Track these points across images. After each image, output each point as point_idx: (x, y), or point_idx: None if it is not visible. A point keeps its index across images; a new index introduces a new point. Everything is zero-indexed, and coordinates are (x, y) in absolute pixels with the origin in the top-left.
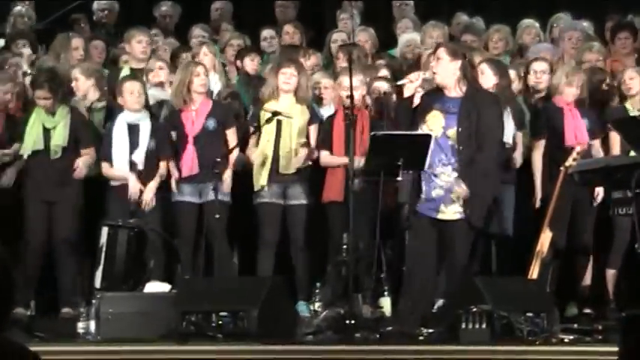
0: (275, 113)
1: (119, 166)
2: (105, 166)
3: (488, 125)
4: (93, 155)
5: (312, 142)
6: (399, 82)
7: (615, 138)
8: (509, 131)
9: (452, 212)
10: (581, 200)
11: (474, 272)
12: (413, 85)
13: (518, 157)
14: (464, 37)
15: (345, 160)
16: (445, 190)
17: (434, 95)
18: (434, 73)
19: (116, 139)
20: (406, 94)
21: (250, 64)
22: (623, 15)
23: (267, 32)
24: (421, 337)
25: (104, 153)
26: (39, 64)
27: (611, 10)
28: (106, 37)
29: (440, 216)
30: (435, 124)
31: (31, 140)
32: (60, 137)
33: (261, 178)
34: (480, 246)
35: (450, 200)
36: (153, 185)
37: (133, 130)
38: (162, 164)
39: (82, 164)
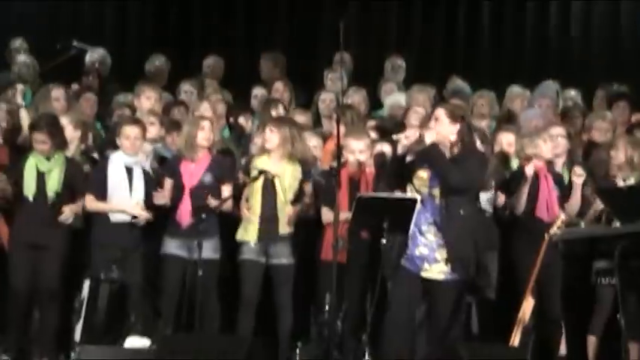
0: (261, 172)
1: (117, 203)
2: (89, 199)
3: (467, 177)
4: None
5: (307, 199)
6: (395, 137)
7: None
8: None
9: (436, 271)
10: (551, 268)
11: (456, 337)
12: (408, 141)
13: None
14: (451, 101)
15: (348, 214)
16: (429, 249)
17: None
18: (436, 133)
19: (112, 178)
20: (399, 150)
21: (245, 122)
22: (609, 84)
23: (257, 90)
24: None
25: (92, 187)
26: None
27: (599, 78)
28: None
29: (424, 274)
30: (421, 182)
31: (30, 183)
32: (55, 182)
33: (249, 235)
34: (462, 310)
35: (434, 259)
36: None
37: (128, 172)
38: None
39: (69, 211)
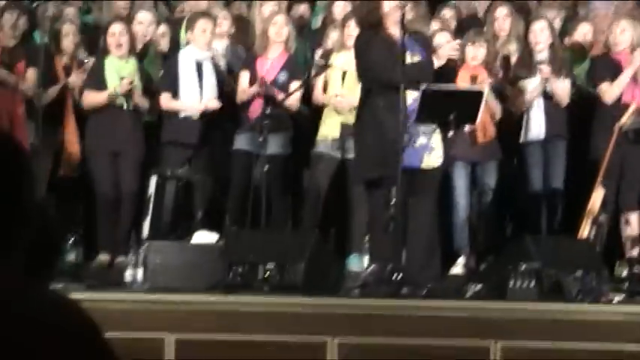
0: (326, 65)
1: (188, 101)
2: (164, 97)
3: None
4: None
5: None
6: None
7: None
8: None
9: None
10: (631, 158)
11: None
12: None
13: None
14: None
15: None
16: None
17: None
18: None
19: (183, 73)
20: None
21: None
22: None
23: None
24: (468, 294)
25: (165, 84)
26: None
27: None
28: None
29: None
30: None
31: (113, 86)
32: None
33: (327, 129)
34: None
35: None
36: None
37: (198, 67)
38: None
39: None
